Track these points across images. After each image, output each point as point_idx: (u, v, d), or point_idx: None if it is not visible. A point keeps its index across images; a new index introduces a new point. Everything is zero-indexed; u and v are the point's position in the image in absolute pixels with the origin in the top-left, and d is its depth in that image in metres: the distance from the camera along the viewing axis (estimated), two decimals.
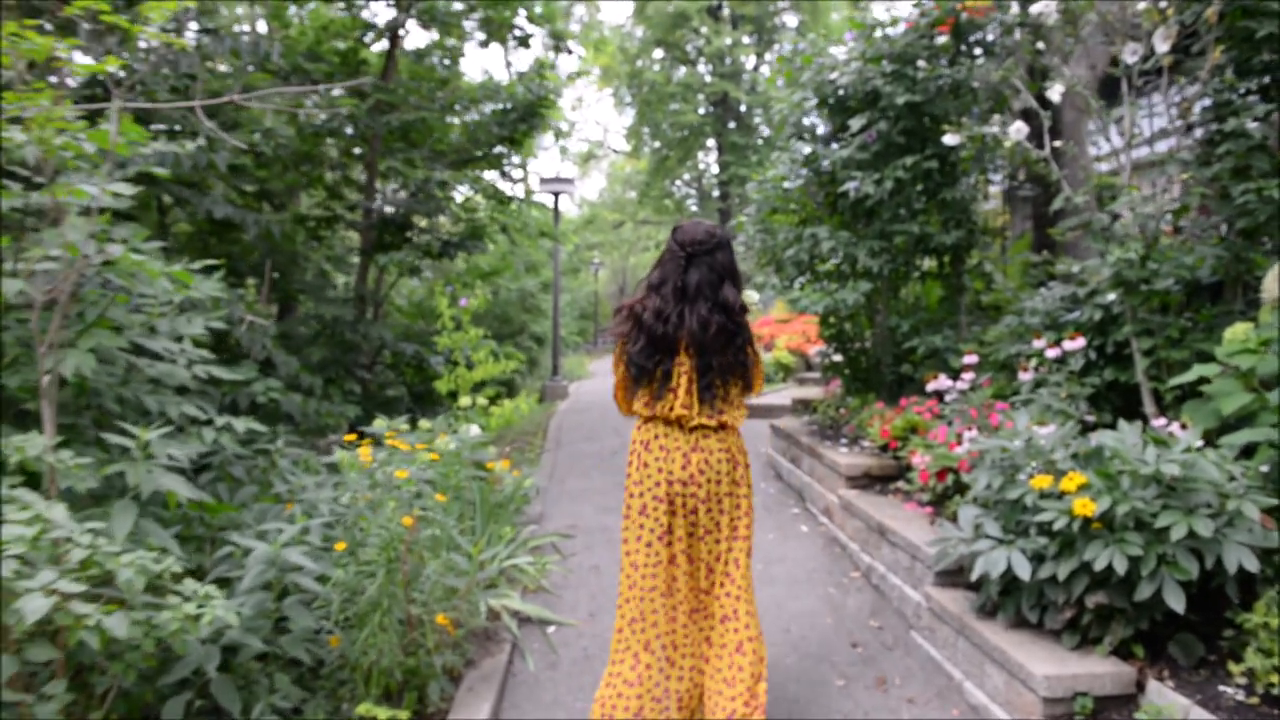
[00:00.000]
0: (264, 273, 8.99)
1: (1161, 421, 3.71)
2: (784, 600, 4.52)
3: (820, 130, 6.85)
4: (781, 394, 11.62)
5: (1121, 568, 2.88)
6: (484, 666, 3.81)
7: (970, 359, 4.63)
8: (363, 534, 3.37)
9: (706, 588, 3.02)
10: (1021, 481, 3.38)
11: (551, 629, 4.28)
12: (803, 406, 8.26)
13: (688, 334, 2.92)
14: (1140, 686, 2.95)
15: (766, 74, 26.15)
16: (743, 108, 27.90)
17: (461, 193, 10.71)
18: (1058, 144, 4.60)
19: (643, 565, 2.99)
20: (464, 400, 5.90)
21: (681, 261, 2.96)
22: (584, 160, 39.19)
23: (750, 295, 18.62)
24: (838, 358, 7.31)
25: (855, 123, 5.86)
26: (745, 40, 27.36)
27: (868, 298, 6.24)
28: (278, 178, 9.16)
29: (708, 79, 27.75)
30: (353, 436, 3.90)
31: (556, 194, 15.31)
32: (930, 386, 4.50)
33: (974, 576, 3.31)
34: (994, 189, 8.25)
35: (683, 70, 28.59)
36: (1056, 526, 3.04)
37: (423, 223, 9.39)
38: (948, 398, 4.50)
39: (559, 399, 15.02)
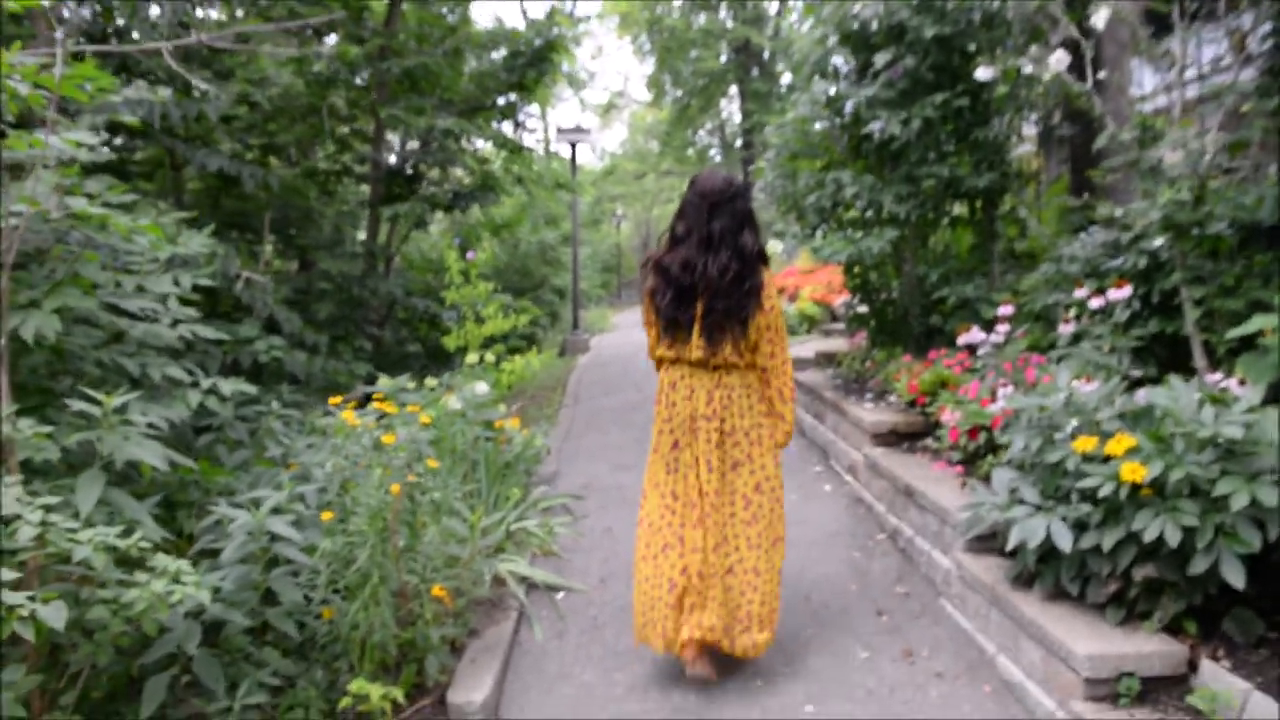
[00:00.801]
0: (278, 228, 8.76)
1: (1217, 377, 3.41)
2: (805, 565, 4.29)
3: (843, 70, 6.46)
4: (805, 346, 11.31)
5: (1174, 539, 2.62)
6: (488, 636, 3.63)
7: (1005, 309, 4.31)
8: (353, 502, 3.17)
9: (747, 519, 3.17)
10: (1062, 443, 3.11)
11: (560, 595, 4.10)
12: (826, 360, 7.99)
13: (706, 279, 3.04)
14: (1192, 666, 2.70)
15: (790, 18, 25.43)
16: (766, 54, 27.15)
17: (474, 145, 10.40)
18: (1102, 75, 4.24)
19: (682, 495, 3.19)
20: (471, 357, 5.67)
21: (705, 212, 3.08)
22: (605, 111, 38.55)
23: (774, 246, 18.25)
24: (863, 309, 7.01)
25: (880, 59, 5.48)
26: None
27: (894, 246, 5.91)
28: (285, 130, 8.90)
29: (729, 24, 26.99)
30: (337, 399, 3.68)
31: (574, 144, 14.94)
32: (961, 339, 4.18)
33: (1010, 546, 3.06)
34: (1027, 132, 7.84)
35: (703, 16, 27.82)
36: (1102, 493, 2.77)
37: (432, 173, 9.08)
38: (980, 351, 4.19)
39: (580, 353, 14.81)
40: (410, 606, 3.28)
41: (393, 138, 10.20)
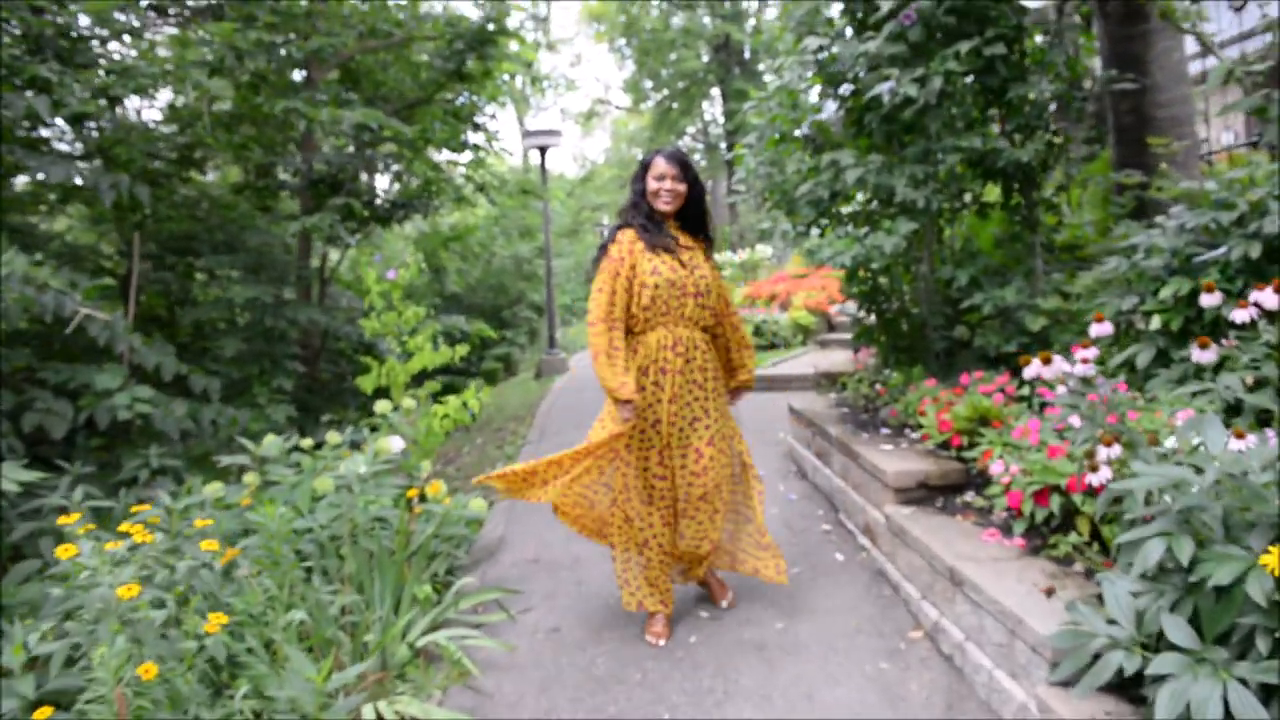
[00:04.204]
0: (227, 250, 7.52)
1: None
2: (815, 684, 3.11)
3: (841, 30, 5.29)
4: (801, 360, 10.16)
5: None
6: None
7: (1100, 328, 2.93)
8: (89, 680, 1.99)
9: None
10: (1220, 546, 1.93)
11: None
12: (828, 381, 6.81)
13: None
14: None
15: (769, 13, 24.41)
16: (746, 54, 26.15)
17: (424, 149, 9.24)
18: None
19: None
20: (382, 405, 4.48)
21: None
22: (586, 119, 37.49)
23: (762, 250, 17.14)
24: (870, 320, 5.83)
25: (886, 3, 4.30)
26: None
27: (908, 242, 4.73)
28: (212, 140, 7.72)
29: (707, 22, 25.98)
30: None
31: (543, 149, 13.75)
32: (1028, 372, 2.87)
33: (1159, 716, 1.88)
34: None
35: (681, 15, 26.80)
36: None
37: (351, 180, 7.84)
38: (1063, 387, 2.91)
39: (556, 374, 13.61)
40: None
41: (331, 144, 9.06)
